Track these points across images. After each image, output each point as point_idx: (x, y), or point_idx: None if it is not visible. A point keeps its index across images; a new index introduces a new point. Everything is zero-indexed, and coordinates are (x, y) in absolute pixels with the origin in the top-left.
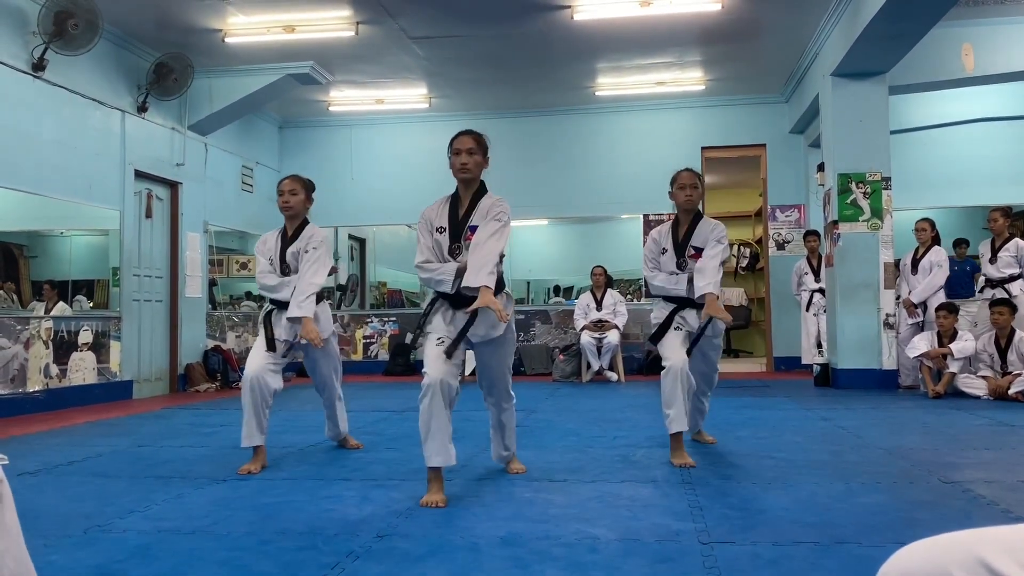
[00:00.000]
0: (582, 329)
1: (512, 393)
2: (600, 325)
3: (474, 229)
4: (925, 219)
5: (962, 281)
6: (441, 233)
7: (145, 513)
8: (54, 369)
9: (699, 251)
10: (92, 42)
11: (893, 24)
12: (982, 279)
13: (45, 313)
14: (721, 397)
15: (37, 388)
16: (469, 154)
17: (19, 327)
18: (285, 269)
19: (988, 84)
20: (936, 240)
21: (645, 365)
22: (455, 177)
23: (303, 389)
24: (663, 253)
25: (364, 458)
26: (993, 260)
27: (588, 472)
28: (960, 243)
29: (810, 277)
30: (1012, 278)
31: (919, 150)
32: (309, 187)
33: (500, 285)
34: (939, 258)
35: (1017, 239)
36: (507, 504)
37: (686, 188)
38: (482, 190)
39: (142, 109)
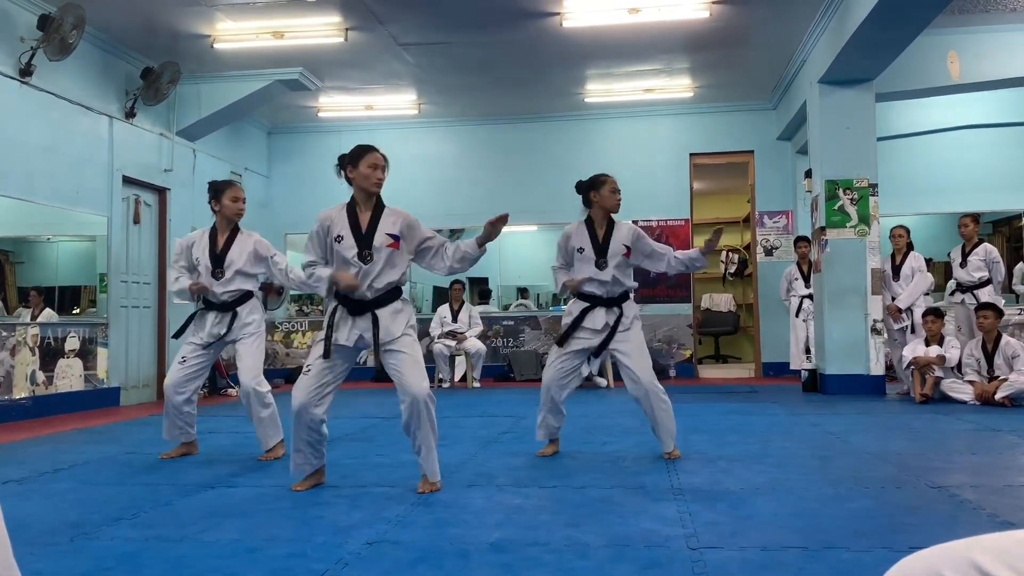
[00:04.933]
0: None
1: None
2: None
3: (395, 237)
4: (901, 225)
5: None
6: (339, 241)
7: (133, 521)
8: (40, 376)
9: (628, 249)
10: (75, 45)
11: (879, 32)
12: (952, 283)
13: (31, 320)
14: (710, 403)
15: (23, 395)
16: (384, 170)
17: (5, 334)
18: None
19: (974, 92)
20: (911, 246)
21: None
22: (368, 190)
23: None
24: (579, 252)
25: (353, 465)
26: (964, 264)
27: (577, 478)
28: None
29: (800, 283)
30: (982, 283)
31: (905, 157)
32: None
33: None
34: (919, 263)
35: (986, 244)
36: (496, 510)
37: (617, 192)
38: (380, 202)
39: (130, 115)
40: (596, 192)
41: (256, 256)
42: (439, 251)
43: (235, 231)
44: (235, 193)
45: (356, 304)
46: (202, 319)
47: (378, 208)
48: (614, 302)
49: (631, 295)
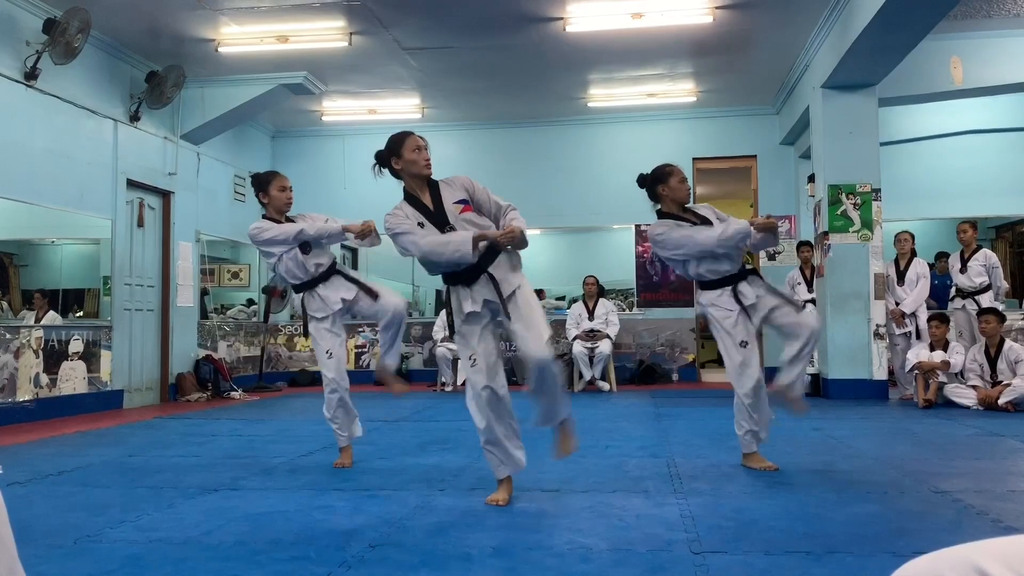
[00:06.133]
0: (574, 339)
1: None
2: (592, 335)
3: (463, 202)
4: (906, 231)
5: (942, 294)
6: (422, 227)
7: (136, 523)
8: (44, 379)
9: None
10: (80, 49)
11: (882, 37)
12: (953, 289)
13: (35, 322)
14: (711, 407)
15: (27, 398)
16: (427, 149)
17: (9, 336)
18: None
19: (977, 96)
20: (914, 252)
21: (637, 375)
22: (419, 174)
23: (296, 398)
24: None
25: (356, 468)
26: (964, 270)
27: (580, 482)
28: (941, 256)
29: (803, 287)
30: (983, 288)
31: (908, 162)
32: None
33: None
34: (923, 269)
35: (985, 250)
36: (499, 513)
37: (685, 182)
38: (432, 181)
39: (134, 118)
40: (664, 185)
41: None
42: (505, 214)
43: (290, 220)
44: (281, 183)
45: (466, 274)
46: (313, 298)
47: (433, 186)
48: None
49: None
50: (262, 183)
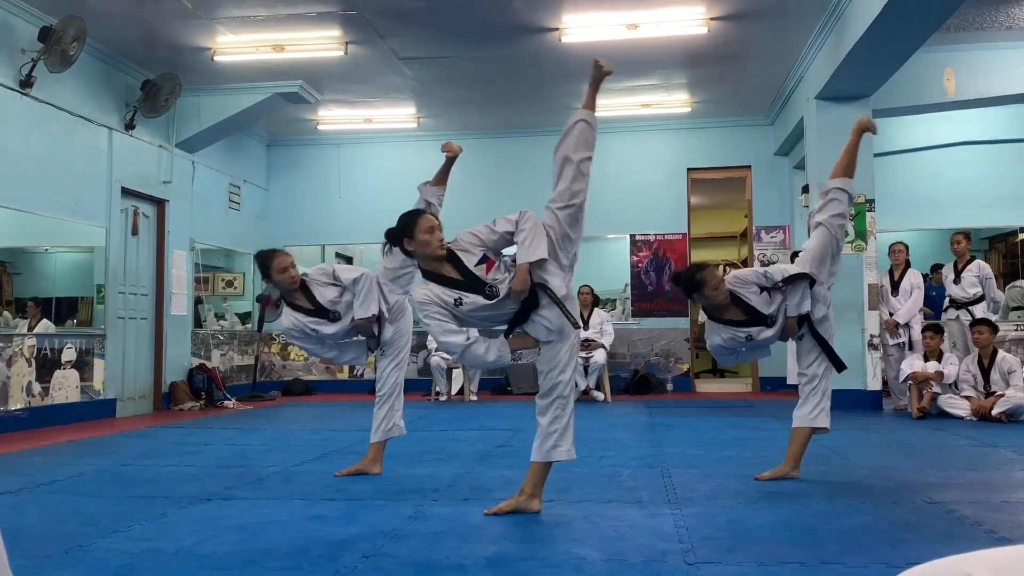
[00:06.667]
0: None
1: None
2: (587, 344)
3: (485, 260)
4: (901, 242)
5: (937, 305)
6: (461, 304)
7: (128, 533)
8: (37, 387)
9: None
10: (76, 57)
11: (876, 49)
12: (947, 300)
13: (28, 330)
14: (707, 417)
15: (19, 406)
16: (440, 229)
17: (2, 344)
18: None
19: (970, 108)
20: (908, 263)
21: (632, 385)
22: (434, 255)
23: (289, 408)
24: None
25: (350, 478)
26: (957, 281)
27: (574, 492)
28: (937, 268)
29: None
30: (976, 299)
31: (902, 173)
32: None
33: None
34: (917, 280)
35: (979, 260)
36: (493, 524)
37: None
38: (449, 251)
39: (129, 126)
40: (699, 295)
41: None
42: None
43: (305, 288)
44: (281, 263)
45: (518, 319)
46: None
47: (452, 258)
48: None
49: None
50: (264, 268)
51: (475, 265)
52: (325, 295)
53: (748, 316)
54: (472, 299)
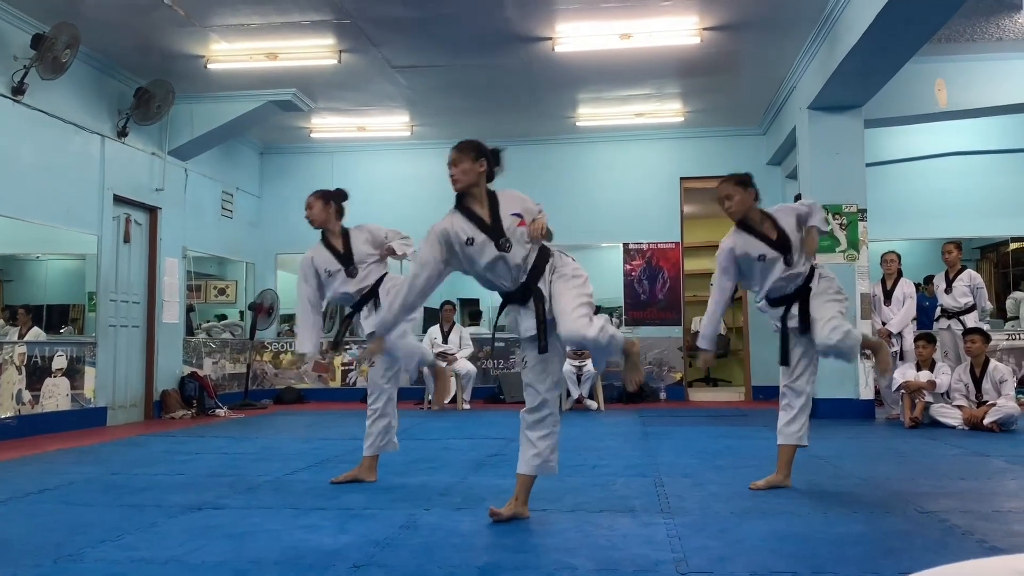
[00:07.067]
0: None
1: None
2: (580, 353)
3: (519, 216)
4: (893, 251)
5: (929, 315)
6: (472, 244)
7: (117, 542)
8: (27, 395)
9: (520, 216)
10: (69, 64)
11: (868, 59)
12: (938, 309)
13: (19, 338)
14: (700, 426)
15: (9, 414)
16: (454, 165)
17: None
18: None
19: (961, 118)
20: (900, 272)
21: (625, 394)
22: (483, 187)
23: (281, 416)
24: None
25: (341, 487)
26: (948, 290)
27: (566, 501)
28: (930, 280)
29: None
30: (967, 309)
31: (894, 183)
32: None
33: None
34: (910, 290)
35: (969, 270)
36: (485, 533)
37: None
38: (488, 191)
39: (122, 134)
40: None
41: (373, 244)
42: None
43: (345, 233)
44: (306, 202)
45: (518, 295)
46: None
47: (491, 197)
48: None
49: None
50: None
51: (511, 213)
52: (361, 249)
53: (778, 236)
54: (482, 243)
